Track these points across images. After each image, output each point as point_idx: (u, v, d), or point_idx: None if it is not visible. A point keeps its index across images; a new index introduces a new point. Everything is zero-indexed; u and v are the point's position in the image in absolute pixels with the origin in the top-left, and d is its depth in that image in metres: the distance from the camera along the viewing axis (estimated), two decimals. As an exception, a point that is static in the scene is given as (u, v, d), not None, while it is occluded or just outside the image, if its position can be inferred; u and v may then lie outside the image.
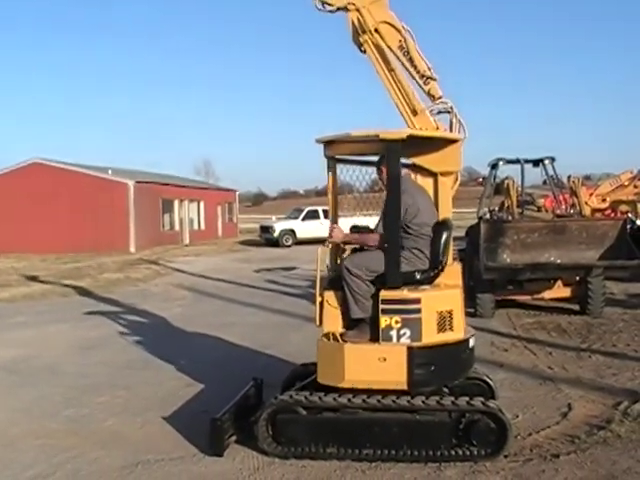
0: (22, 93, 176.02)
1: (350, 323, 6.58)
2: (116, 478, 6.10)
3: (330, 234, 6.83)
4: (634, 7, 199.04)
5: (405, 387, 6.24)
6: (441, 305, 6.39)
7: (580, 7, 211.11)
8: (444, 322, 6.35)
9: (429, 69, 6.83)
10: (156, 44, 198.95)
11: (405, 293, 6.32)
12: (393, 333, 6.26)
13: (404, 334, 6.25)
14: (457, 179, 6.85)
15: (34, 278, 23.31)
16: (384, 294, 6.33)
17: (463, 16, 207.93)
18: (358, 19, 6.89)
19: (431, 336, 6.28)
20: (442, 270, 6.63)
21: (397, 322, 6.26)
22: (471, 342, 6.63)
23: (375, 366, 6.27)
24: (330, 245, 7.02)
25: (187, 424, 7.37)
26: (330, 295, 6.70)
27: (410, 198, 6.52)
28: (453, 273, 6.83)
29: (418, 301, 6.30)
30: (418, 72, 6.81)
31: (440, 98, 6.85)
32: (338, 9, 7.00)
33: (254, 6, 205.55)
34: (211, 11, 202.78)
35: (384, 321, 6.28)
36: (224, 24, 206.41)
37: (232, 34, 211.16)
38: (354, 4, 6.89)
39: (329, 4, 6.99)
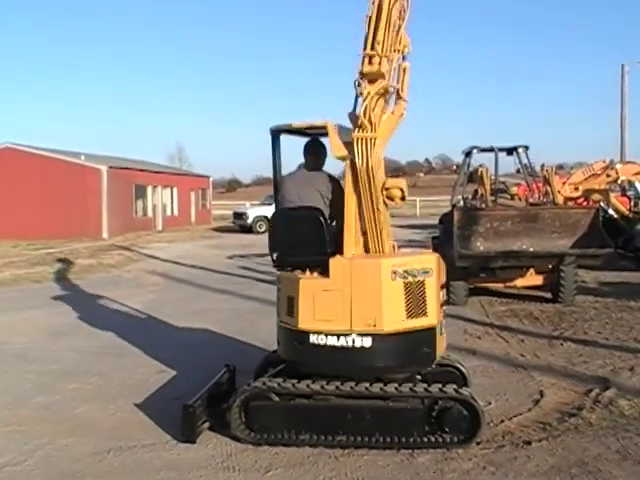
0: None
1: None
2: (88, 465, 6.06)
3: None
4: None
5: None
6: (288, 290, 6.64)
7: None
8: (290, 306, 6.55)
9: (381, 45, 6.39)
10: (131, 29, 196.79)
11: (278, 273, 6.98)
12: None
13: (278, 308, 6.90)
14: (349, 167, 6.41)
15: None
16: None
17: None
18: None
19: (282, 315, 6.73)
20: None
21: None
22: (317, 338, 6.34)
23: None
24: None
25: (159, 411, 7.34)
26: None
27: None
28: (331, 265, 6.40)
29: (279, 282, 6.90)
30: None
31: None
32: None
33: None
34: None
35: None
36: (198, 9, 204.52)
37: (205, 20, 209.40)
38: None
39: None
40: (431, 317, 6.43)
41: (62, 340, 11.25)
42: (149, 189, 45.33)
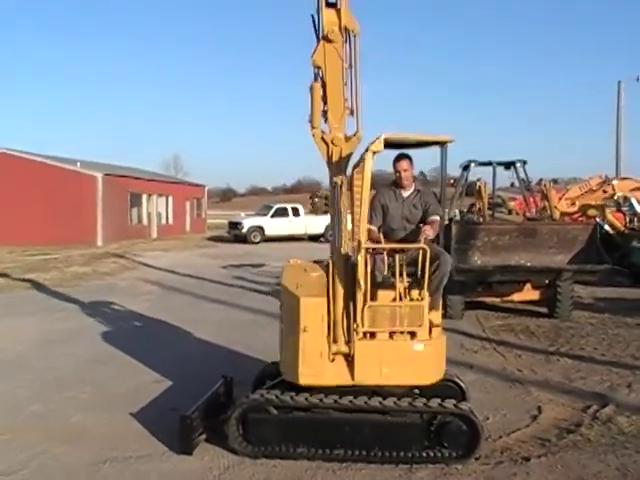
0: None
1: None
2: (83, 475, 6.00)
3: (428, 233, 6.87)
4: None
5: None
6: None
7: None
8: None
9: None
10: (130, 39, 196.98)
11: None
12: None
13: None
14: None
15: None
16: None
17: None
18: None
19: None
20: None
21: None
22: None
23: None
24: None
25: (155, 421, 7.28)
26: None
27: None
28: None
29: None
30: None
31: None
32: None
33: (225, 5, 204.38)
34: (182, 8, 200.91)
35: None
36: (193, 22, 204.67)
37: (201, 32, 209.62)
38: None
39: None
40: None
41: (56, 348, 11.18)
42: (144, 197, 45.36)
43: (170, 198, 50.06)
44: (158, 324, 13.27)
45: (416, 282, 6.38)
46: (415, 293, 6.34)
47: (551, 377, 9.26)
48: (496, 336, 12.07)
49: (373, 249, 6.49)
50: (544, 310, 14.12)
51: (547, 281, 13.86)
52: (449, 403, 6.18)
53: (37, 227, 35.23)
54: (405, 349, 6.26)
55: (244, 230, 41.77)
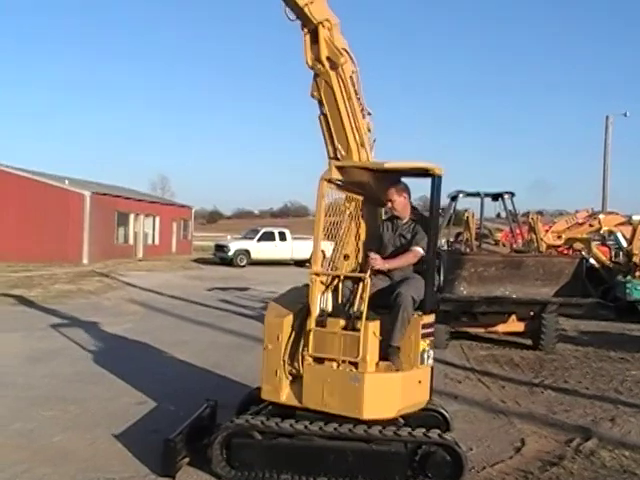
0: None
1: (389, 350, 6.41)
2: (65, 497, 5.97)
3: (373, 263, 6.73)
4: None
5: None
6: None
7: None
8: None
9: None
10: (116, 58, 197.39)
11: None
12: (426, 355, 6.56)
13: (430, 355, 6.64)
14: None
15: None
16: (426, 319, 6.56)
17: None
18: (327, 39, 6.56)
19: None
20: None
21: (429, 345, 6.60)
22: None
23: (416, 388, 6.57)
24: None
25: (138, 443, 7.23)
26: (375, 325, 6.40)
27: None
28: None
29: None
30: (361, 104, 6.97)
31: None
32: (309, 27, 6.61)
33: (215, 24, 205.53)
34: (170, 28, 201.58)
35: (422, 345, 6.51)
36: (182, 42, 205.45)
37: (190, 54, 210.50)
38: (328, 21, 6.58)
39: (308, 17, 6.47)
40: None
41: (39, 365, 11.12)
42: (131, 217, 45.28)
43: (157, 218, 49.99)
44: (142, 345, 13.22)
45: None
46: (358, 323, 6.25)
47: (535, 409, 9.27)
48: (480, 367, 12.09)
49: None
50: (528, 342, 14.17)
51: (532, 313, 13.87)
52: (434, 433, 6.17)
53: (22, 243, 35.01)
54: (343, 379, 6.18)
55: (230, 253, 41.81)
